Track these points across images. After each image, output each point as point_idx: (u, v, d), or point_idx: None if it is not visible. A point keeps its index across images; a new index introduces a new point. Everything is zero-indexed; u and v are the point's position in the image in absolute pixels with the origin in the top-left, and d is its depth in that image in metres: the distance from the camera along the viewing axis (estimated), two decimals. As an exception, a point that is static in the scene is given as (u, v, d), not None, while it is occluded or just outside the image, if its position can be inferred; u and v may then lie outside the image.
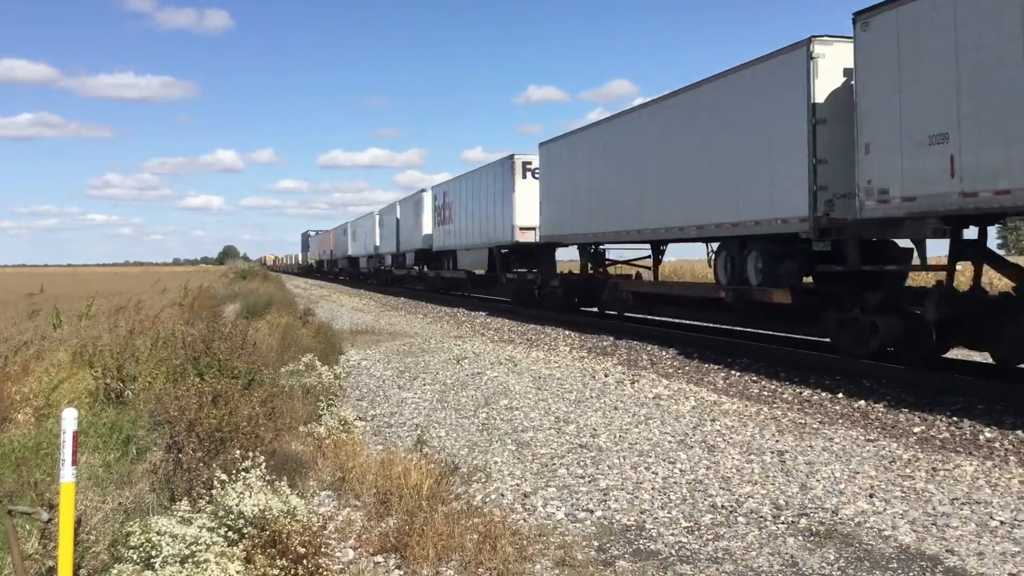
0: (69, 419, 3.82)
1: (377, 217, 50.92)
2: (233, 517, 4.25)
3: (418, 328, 21.58)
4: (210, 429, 5.68)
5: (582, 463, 7.31)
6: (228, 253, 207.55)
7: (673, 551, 5.17)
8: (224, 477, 4.53)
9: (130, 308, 16.75)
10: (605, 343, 16.94)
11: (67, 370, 9.49)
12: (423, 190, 38.08)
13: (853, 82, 11.88)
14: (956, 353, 12.55)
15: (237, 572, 3.96)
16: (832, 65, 12.50)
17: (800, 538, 5.34)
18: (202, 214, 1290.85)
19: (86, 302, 19.74)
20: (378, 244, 50.54)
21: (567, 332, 19.41)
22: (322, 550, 4.28)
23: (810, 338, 14.78)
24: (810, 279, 14.31)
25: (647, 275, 21.03)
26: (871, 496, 6.19)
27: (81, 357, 9.85)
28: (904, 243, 13.05)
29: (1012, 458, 7.50)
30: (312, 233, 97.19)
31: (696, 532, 5.50)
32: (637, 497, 6.28)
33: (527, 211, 25.14)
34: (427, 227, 37.02)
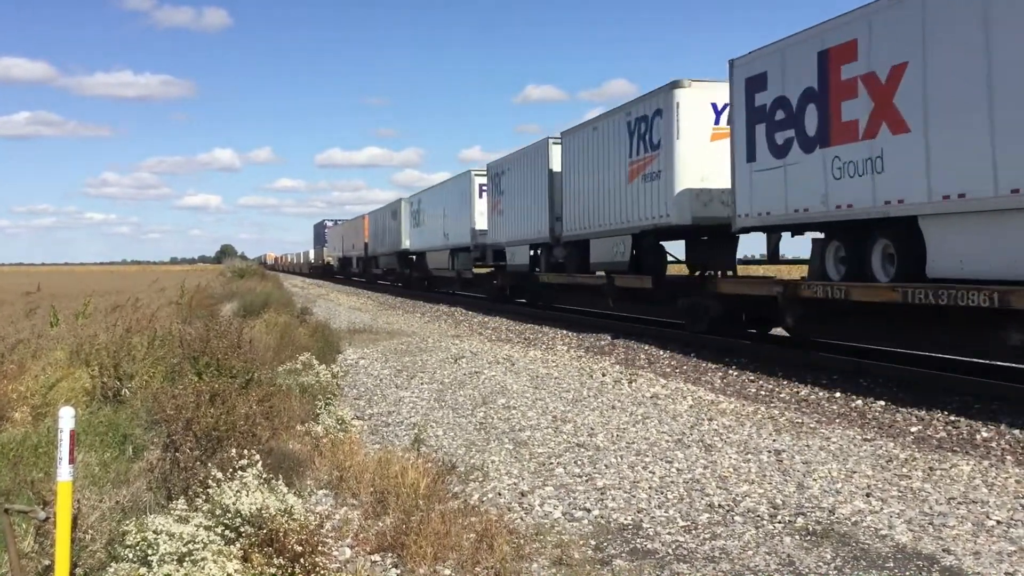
0: (66, 417, 3.82)
1: (476, 183, 30.55)
2: (230, 516, 4.25)
3: (416, 327, 21.58)
4: (207, 428, 5.67)
5: (579, 462, 7.31)
6: (226, 252, 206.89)
7: (670, 550, 5.17)
8: (220, 476, 4.53)
9: (127, 307, 16.74)
10: (603, 342, 16.95)
11: (64, 369, 9.47)
12: (643, 99, 17.73)
13: None
14: (954, 353, 12.54)
15: (235, 571, 3.96)
16: None
17: (797, 537, 5.34)
18: (200, 213, 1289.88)
19: (83, 301, 19.71)
20: (481, 227, 29.98)
21: (565, 331, 19.41)
22: (319, 548, 4.27)
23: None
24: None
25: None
26: (868, 495, 6.19)
27: (78, 356, 9.83)
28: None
29: (1009, 458, 7.52)
30: (330, 223, 76.24)
31: (693, 531, 5.50)
32: (634, 496, 6.28)
33: None
34: (688, 177, 16.29)
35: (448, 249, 34.66)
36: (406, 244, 42.82)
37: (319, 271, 77.77)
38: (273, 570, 4.06)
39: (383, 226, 48.34)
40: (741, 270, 18.39)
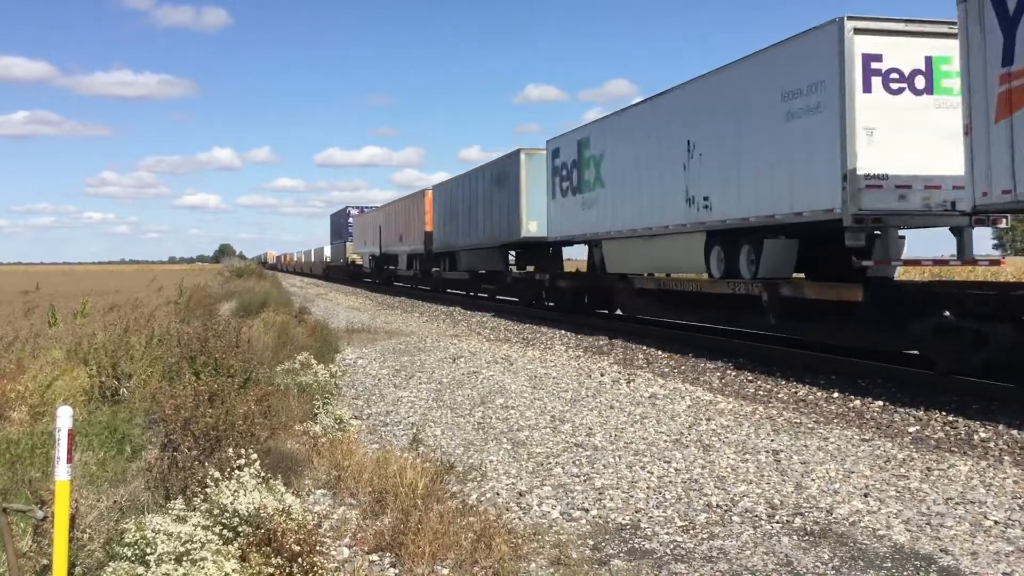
0: (64, 417, 3.81)
1: (856, 49, 11.98)
2: (228, 515, 4.25)
3: (414, 327, 21.57)
4: (206, 428, 5.67)
5: (578, 462, 7.31)
6: (224, 251, 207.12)
7: (668, 550, 5.17)
8: (218, 475, 4.53)
9: (126, 306, 16.73)
10: (601, 342, 16.96)
11: (62, 368, 9.47)
12: None
13: None
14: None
15: (233, 570, 3.96)
16: None
17: (795, 537, 5.34)
18: (199, 212, 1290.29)
19: (81, 300, 19.71)
20: (871, 170, 11.88)
21: (563, 331, 19.42)
22: (317, 548, 4.27)
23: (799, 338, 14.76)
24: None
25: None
26: (866, 496, 6.20)
27: (76, 355, 9.83)
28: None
29: (1007, 458, 7.52)
30: (355, 211, 59.54)
31: (691, 531, 5.50)
32: (632, 496, 6.29)
33: None
34: None
35: (736, 229, 14.98)
36: (529, 230, 24.48)
37: (341, 273, 61.38)
38: (271, 570, 4.06)
39: (472, 202, 29.74)
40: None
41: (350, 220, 60.08)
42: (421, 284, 40.81)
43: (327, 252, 71.36)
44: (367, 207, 57.51)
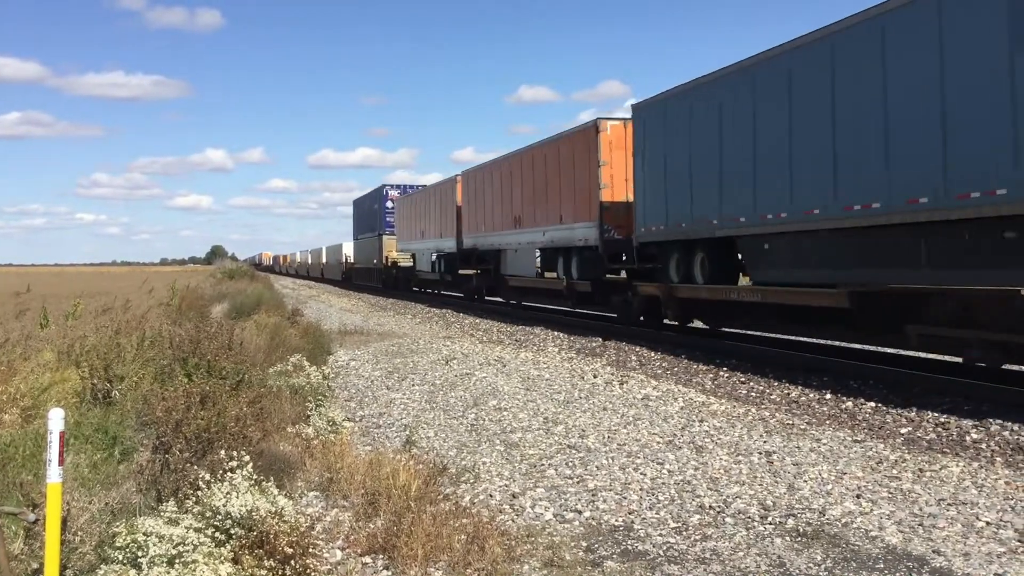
0: (55, 419, 3.80)
1: None
2: (220, 517, 4.24)
3: (407, 329, 21.56)
4: (197, 430, 5.65)
5: (571, 464, 7.31)
6: (216, 253, 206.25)
7: (661, 551, 5.18)
8: (209, 477, 4.51)
9: (117, 308, 16.67)
10: (594, 344, 16.97)
11: (53, 370, 9.42)
12: None
13: None
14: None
15: (226, 573, 3.94)
16: None
17: (787, 538, 5.35)
18: (191, 214, 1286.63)
19: (73, 302, 19.62)
20: None
21: (556, 333, 19.43)
22: (310, 550, 4.26)
23: (798, 339, 14.82)
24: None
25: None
26: (858, 497, 6.21)
27: (68, 357, 9.78)
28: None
29: (998, 459, 7.55)
30: (394, 193, 42.64)
31: (684, 532, 5.51)
32: (625, 498, 6.29)
33: None
34: None
35: None
36: None
37: (373, 278, 45.33)
38: (264, 572, 4.04)
39: (851, 111, 11.20)
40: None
41: (388, 205, 42.38)
42: (593, 305, 21.17)
43: (347, 250, 55.28)
44: (412, 186, 41.64)
